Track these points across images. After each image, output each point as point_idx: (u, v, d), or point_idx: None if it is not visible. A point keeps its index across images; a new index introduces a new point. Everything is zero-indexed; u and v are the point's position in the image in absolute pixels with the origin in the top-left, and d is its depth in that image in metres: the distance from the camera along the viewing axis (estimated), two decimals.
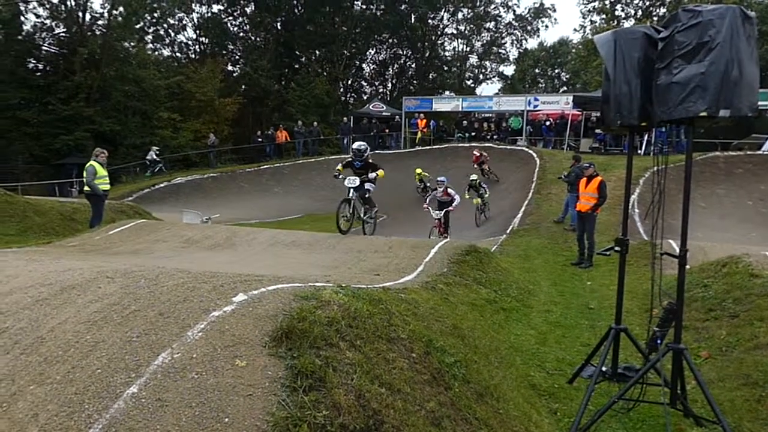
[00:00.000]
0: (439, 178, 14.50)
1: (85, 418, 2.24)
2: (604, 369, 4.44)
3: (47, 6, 29.90)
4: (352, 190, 9.42)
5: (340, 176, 9.76)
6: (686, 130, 4.05)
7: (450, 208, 13.75)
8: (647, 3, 35.24)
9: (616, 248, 4.62)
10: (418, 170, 22.36)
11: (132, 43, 32.10)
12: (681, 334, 4.07)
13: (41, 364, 2.56)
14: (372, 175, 9.82)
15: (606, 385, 4.68)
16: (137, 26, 32.26)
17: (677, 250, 4.00)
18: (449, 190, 14.07)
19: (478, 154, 21.96)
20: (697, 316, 6.33)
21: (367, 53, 47.12)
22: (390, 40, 46.49)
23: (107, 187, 11.51)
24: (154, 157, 26.43)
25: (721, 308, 6.22)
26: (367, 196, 10.03)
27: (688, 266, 4.12)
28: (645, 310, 6.68)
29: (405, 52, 47.68)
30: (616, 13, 36.30)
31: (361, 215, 10.04)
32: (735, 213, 16.88)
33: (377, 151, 28.87)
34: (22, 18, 29.54)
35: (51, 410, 2.29)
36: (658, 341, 4.22)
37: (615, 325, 4.56)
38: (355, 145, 9.92)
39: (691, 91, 3.62)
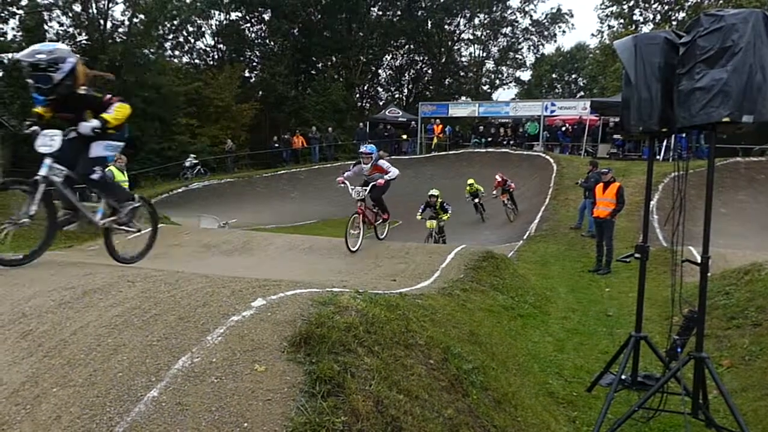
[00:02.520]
0: (364, 148, 9.36)
1: (107, 421, 2.27)
2: (623, 377, 4.39)
3: (70, 14, 30.51)
4: (48, 156, 4.20)
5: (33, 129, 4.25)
6: (708, 136, 3.99)
7: (379, 181, 8.79)
8: (666, 7, 34.86)
9: (636, 255, 4.57)
10: (471, 180, 18.65)
11: (151, 50, 32.58)
12: (703, 343, 4.01)
13: (64, 367, 2.59)
14: (110, 112, 4.43)
15: (626, 394, 4.62)
16: (157, 33, 32.72)
17: (698, 257, 3.94)
18: (382, 163, 9.18)
19: (500, 179, 18.51)
20: (719, 324, 6.24)
21: (384, 59, 47.20)
22: (406, 46, 46.52)
23: None
24: (193, 162, 26.91)
25: (743, 316, 6.12)
26: (102, 171, 4.56)
27: (709, 273, 4.06)
28: (665, 318, 6.58)
29: (421, 58, 47.66)
30: (635, 17, 35.96)
31: (94, 218, 4.70)
32: (757, 220, 16.55)
33: (393, 157, 28.96)
34: (46, 27, 30.19)
35: (74, 413, 2.32)
36: (679, 349, 4.16)
37: (635, 333, 4.50)
38: None
39: (714, 97, 3.58)
